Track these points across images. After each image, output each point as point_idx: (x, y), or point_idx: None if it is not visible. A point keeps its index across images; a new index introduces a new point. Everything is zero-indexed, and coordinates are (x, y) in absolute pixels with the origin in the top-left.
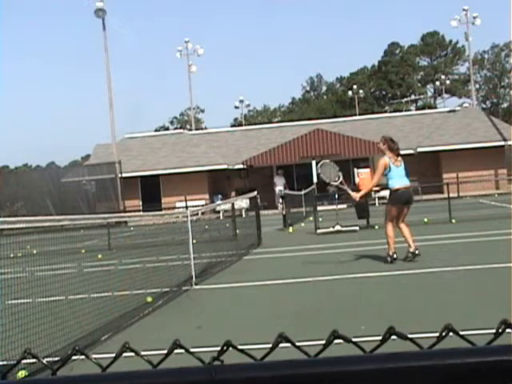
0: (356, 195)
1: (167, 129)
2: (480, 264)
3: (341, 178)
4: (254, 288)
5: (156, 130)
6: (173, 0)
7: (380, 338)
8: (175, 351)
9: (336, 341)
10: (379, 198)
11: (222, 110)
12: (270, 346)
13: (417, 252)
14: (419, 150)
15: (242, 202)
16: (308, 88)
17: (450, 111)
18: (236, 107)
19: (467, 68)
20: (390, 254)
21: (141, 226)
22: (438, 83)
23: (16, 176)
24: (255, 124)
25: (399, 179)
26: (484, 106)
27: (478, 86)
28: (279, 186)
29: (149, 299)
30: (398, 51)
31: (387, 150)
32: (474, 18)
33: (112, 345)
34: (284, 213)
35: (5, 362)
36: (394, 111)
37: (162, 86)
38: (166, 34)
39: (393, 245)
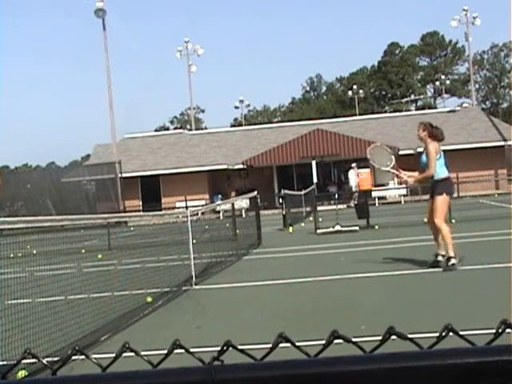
0: (410, 179)
1: (167, 129)
2: (480, 264)
3: (393, 162)
4: (253, 288)
5: (156, 130)
6: (173, 0)
7: (380, 338)
8: (175, 351)
9: (336, 341)
10: (379, 198)
11: (222, 110)
12: (270, 346)
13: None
14: (419, 150)
15: (242, 202)
16: (308, 88)
17: (449, 111)
18: (236, 107)
19: (467, 68)
20: (453, 254)
21: (141, 226)
22: (438, 83)
23: (16, 176)
24: (255, 124)
25: (447, 168)
26: (484, 106)
27: (477, 86)
28: (354, 181)
29: (149, 299)
30: (397, 51)
31: (428, 138)
32: (474, 18)
33: (112, 345)
34: (284, 213)
35: (5, 362)
36: (394, 111)
37: (162, 85)
38: (166, 34)
39: (452, 242)
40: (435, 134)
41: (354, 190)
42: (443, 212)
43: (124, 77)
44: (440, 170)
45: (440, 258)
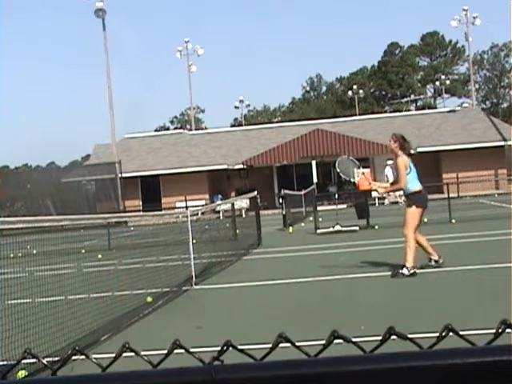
0: (381, 189)
1: (167, 129)
2: (480, 264)
3: (359, 173)
4: (253, 288)
5: (156, 130)
6: (173, 0)
7: (380, 338)
8: (175, 351)
9: (336, 341)
10: (379, 199)
11: (222, 110)
12: (270, 346)
13: (441, 261)
14: (419, 149)
15: (242, 202)
16: (308, 88)
17: (450, 111)
18: (236, 107)
19: (467, 68)
20: (408, 265)
21: (141, 226)
22: (437, 83)
23: (16, 176)
24: (255, 124)
25: (419, 181)
26: (484, 106)
27: (477, 86)
28: (390, 177)
29: (149, 299)
30: (397, 51)
31: (399, 150)
32: (474, 18)
33: (112, 345)
34: (284, 213)
35: (5, 362)
36: (394, 111)
37: (162, 85)
38: (166, 33)
39: (413, 255)
40: (405, 147)
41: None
42: (413, 224)
43: (124, 77)
44: (411, 184)
45: (433, 263)
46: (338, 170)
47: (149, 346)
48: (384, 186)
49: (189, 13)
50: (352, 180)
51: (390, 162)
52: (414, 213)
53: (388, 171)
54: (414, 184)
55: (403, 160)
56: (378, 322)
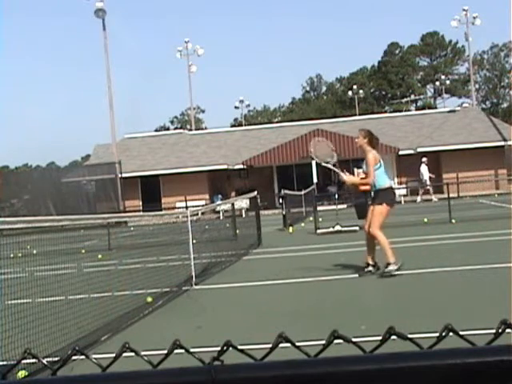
0: (347, 179)
1: (167, 129)
2: (480, 264)
3: (334, 159)
4: (253, 288)
5: (156, 130)
6: (173, 0)
7: (380, 338)
8: (175, 351)
9: (336, 341)
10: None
11: (222, 110)
12: (270, 346)
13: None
14: (419, 150)
15: (242, 202)
16: (308, 88)
17: (450, 111)
18: (236, 107)
19: (467, 68)
20: (391, 261)
21: (141, 226)
22: (437, 83)
23: (16, 176)
24: (255, 124)
25: (388, 177)
26: (484, 106)
27: (477, 86)
28: (426, 175)
29: (149, 299)
30: (397, 51)
31: (368, 145)
32: (474, 18)
33: (112, 345)
34: (284, 213)
35: (5, 362)
36: (394, 111)
37: (163, 86)
38: (166, 33)
39: (389, 248)
40: (374, 142)
41: (427, 183)
42: (379, 221)
43: (124, 77)
44: (381, 179)
45: (370, 268)
46: (312, 152)
47: (149, 346)
48: (352, 179)
49: (189, 13)
50: (323, 164)
51: (424, 159)
52: (382, 210)
53: (424, 169)
54: (383, 180)
55: (374, 155)
56: (378, 322)
